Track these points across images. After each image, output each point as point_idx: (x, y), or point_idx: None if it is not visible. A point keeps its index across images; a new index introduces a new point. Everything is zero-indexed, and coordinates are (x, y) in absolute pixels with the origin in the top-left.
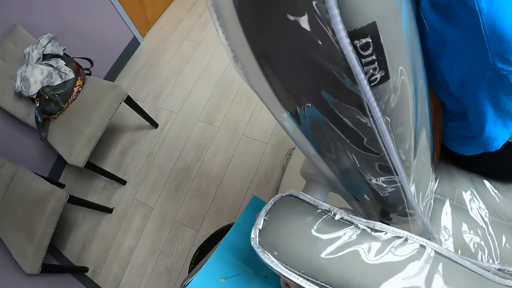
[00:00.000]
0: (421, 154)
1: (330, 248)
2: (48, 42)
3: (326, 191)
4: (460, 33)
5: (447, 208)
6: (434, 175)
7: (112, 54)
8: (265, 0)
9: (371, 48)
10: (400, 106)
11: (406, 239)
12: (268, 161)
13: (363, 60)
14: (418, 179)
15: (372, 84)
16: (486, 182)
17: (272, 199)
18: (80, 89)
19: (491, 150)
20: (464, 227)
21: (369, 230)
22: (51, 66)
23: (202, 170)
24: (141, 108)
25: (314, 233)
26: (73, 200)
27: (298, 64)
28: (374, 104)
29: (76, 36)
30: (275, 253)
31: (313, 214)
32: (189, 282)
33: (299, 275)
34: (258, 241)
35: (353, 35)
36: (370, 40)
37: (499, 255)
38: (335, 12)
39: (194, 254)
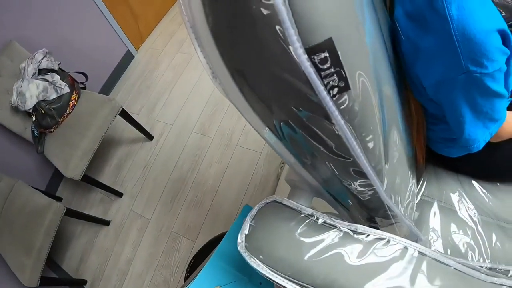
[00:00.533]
0: (393, 158)
1: (313, 251)
2: (44, 57)
3: (311, 197)
4: (432, 39)
5: (435, 209)
6: (414, 178)
7: (106, 67)
8: (236, 22)
9: (329, 62)
10: (364, 113)
11: (389, 241)
12: (263, 170)
13: (322, 73)
14: (393, 182)
15: (333, 94)
16: (474, 182)
17: (257, 205)
18: (75, 103)
19: (473, 151)
20: (453, 227)
21: (351, 233)
22: (47, 80)
23: (198, 180)
24: (136, 121)
25: (297, 236)
26: (71, 213)
27: (268, 81)
28: (336, 112)
29: (70, 51)
30: (261, 257)
31: (297, 219)
32: None
33: (285, 277)
34: (245, 246)
35: (311, 51)
36: (328, 55)
37: (489, 253)
38: (291, 32)
39: (189, 262)
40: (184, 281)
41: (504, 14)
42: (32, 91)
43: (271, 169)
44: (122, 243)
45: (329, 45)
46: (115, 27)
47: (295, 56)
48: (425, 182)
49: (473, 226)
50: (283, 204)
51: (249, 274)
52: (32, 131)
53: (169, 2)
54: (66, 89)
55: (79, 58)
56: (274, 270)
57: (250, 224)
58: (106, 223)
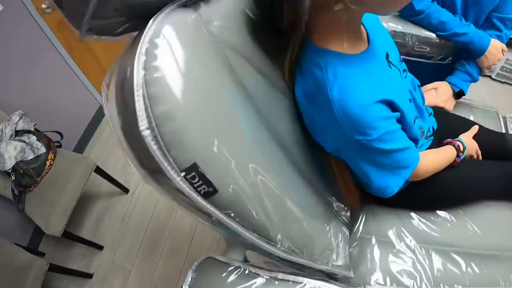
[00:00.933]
0: (293, 222)
1: None
2: (20, 119)
3: (243, 250)
4: (322, 115)
5: (373, 244)
6: (332, 223)
7: (80, 123)
8: (137, 142)
9: (197, 178)
10: (239, 204)
11: (305, 284)
12: None
13: (195, 185)
14: (295, 241)
15: (206, 196)
16: (412, 214)
17: (197, 261)
18: (52, 162)
19: (389, 197)
20: (391, 258)
21: (273, 280)
22: (24, 141)
23: (174, 227)
24: (111, 176)
25: (229, 284)
26: (54, 269)
27: (163, 187)
28: (211, 209)
29: (45, 110)
30: None
31: (227, 271)
32: None
33: None
34: None
35: (185, 171)
36: (195, 174)
37: (431, 279)
38: (165, 165)
39: None
40: None
41: (428, 49)
42: (10, 152)
43: None
44: None
45: (194, 167)
46: (87, 84)
47: (171, 178)
48: (363, 221)
49: (413, 256)
50: (216, 259)
51: None
52: (12, 190)
53: None
54: (43, 149)
55: (54, 117)
56: None
57: (191, 277)
58: (89, 276)
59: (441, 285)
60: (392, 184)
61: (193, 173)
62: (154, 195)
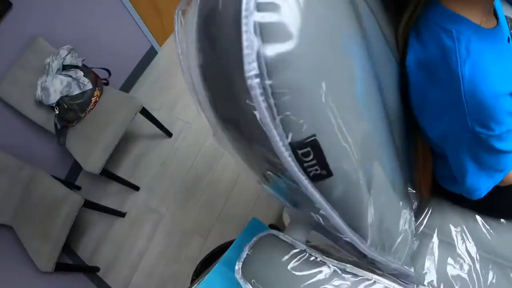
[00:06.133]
0: (381, 214)
1: (303, 285)
2: (68, 53)
3: (308, 230)
4: (441, 93)
5: (434, 242)
6: (407, 214)
7: (129, 63)
8: (228, 105)
9: (311, 155)
10: (349, 195)
11: (374, 282)
12: None
13: (305, 164)
14: (380, 233)
15: (315, 180)
16: (478, 217)
17: (256, 236)
18: (97, 100)
19: (474, 199)
20: (450, 261)
21: (339, 271)
22: (70, 76)
23: (213, 181)
24: (156, 119)
25: (290, 270)
26: (88, 205)
27: (250, 146)
28: (317, 196)
29: (94, 47)
30: (255, 285)
31: (290, 253)
32: None
33: None
34: (241, 273)
35: (295, 146)
36: (310, 149)
37: None
38: (274, 133)
39: (196, 267)
40: (190, 284)
41: None
42: (56, 86)
43: None
44: (136, 235)
45: (312, 142)
46: (139, 23)
47: (277, 152)
48: (429, 214)
49: (470, 263)
50: (279, 238)
51: None
52: (55, 124)
53: None
54: (89, 86)
55: (102, 54)
56: None
57: (247, 253)
58: (122, 215)
59: None
60: (483, 186)
61: (308, 149)
62: (197, 143)
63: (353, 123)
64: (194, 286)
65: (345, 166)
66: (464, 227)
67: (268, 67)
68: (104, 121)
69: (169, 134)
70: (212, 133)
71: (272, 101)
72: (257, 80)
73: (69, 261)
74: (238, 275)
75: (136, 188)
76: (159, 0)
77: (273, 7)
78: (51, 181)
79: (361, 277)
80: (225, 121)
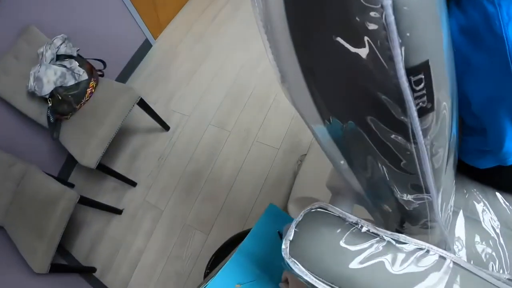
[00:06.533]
0: (449, 171)
1: (357, 259)
2: (62, 43)
3: (352, 204)
4: (486, 57)
5: (461, 219)
6: (454, 189)
7: (124, 55)
8: (320, 20)
9: (423, 84)
10: (440, 133)
11: (428, 251)
12: (279, 167)
13: (415, 94)
14: (444, 195)
15: (420, 114)
16: (498, 194)
17: (302, 211)
18: (93, 91)
19: (509, 164)
20: (477, 238)
21: (393, 242)
22: (65, 66)
23: (213, 174)
24: (154, 111)
25: (342, 244)
26: (84, 201)
27: (346, 87)
28: (420, 133)
29: (89, 37)
30: (306, 263)
31: (342, 227)
32: (205, 287)
33: (328, 285)
34: (289, 252)
35: (409, 71)
36: (423, 77)
37: (509, 265)
38: (398, 51)
39: (210, 260)
40: (204, 278)
41: None
42: (50, 77)
43: (288, 167)
44: (134, 232)
45: (425, 68)
46: (134, 15)
47: (395, 75)
48: (453, 191)
49: (495, 237)
50: (328, 211)
51: (271, 273)
52: (48, 117)
53: None
54: (84, 76)
55: (97, 45)
56: (318, 277)
57: (295, 230)
58: (119, 212)
59: None
60: None
61: (421, 76)
62: (195, 137)
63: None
64: (210, 278)
65: (443, 103)
66: (487, 203)
67: None
68: (100, 113)
69: (166, 128)
70: (280, 81)
71: (393, 18)
72: None
73: (64, 262)
74: (286, 255)
75: (133, 184)
76: None
77: None
78: (44, 177)
79: (415, 247)
80: (319, 67)
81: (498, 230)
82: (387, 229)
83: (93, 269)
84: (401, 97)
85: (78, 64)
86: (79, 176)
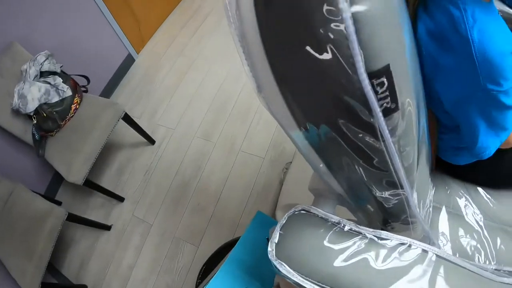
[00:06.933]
0: (422, 167)
1: (341, 257)
2: (46, 59)
3: (334, 205)
4: (453, 58)
5: (443, 215)
6: (432, 185)
7: (107, 71)
8: (297, 38)
9: (385, 86)
10: (407, 130)
11: (410, 245)
12: (266, 175)
13: (378, 96)
14: (419, 190)
15: (385, 114)
16: (479, 188)
17: (286, 214)
18: (77, 107)
19: (484, 158)
20: (461, 231)
21: (376, 239)
22: (49, 83)
23: (200, 185)
24: (139, 125)
25: (326, 244)
26: (72, 218)
27: (317, 93)
28: (387, 132)
29: (72, 53)
30: (292, 264)
31: (324, 227)
32: None
33: (315, 284)
34: (275, 254)
35: (371, 75)
36: (385, 79)
37: (494, 256)
38: (359, 58)
39: (201, 269)
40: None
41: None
42: (34, 94)
43: (274, 175)
44: (123, 248)
45: (387, 71)
46: (116, 30)
47: (358, 80)
48: (434, 189)
49: (479, 230)
50: (311, 213)
51: (262, 280)
52: (33, 134)
53: (171, 5)
54: (69, 92)
55: (81, 61)
56: (305, 277)
57: (279, 233)
58: (107, 228)
59: (502, 264)
60: (492, 145)
61: (383, 79)
62: (181, 149)
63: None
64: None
65: (407, 103)
66: (469, 198)
67: None
68: (86, 129)
69: (152, 142)
70: (256, 90)
71: (353, 28)
72: (346, 4)
73: (54, 281)
74: (273, 257)
75: (121, 199)
76: (137, 8)
77: None
78: (31, 195)
79: (397, 242)
80: (292, 75)
81: (481, 223)
82: (371, 227)
83: (84, 287)
84: (366, 100)
85: (62, 80)
86: (67, 193)
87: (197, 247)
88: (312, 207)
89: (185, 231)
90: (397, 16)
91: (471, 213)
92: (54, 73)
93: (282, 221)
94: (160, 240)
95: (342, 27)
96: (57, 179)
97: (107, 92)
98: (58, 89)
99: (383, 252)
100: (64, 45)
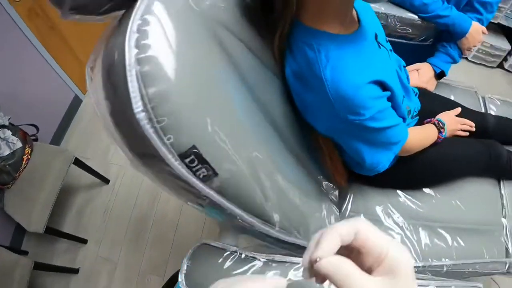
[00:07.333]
0: (285, 200)
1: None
2: None
3: (236, 234)
4: (314, 96)
5: None
6: (324, 202)
7: (56, 115)
8: (129, 126)
9: (196, 161)
10: (238, 185)
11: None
12: None
13: (193, 169)
14: (290, 220)
15: (206, 180)
16: (399, 192)
17: (191, 248)
18: (29, 157)
19: (380, 172)
20: None
21: (269, 262)
22: None
23: (158, 216)
24: (91, 168)
25: (226, 270)
26: (39, 267)
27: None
28: (211, 192)
29: (19, 103)
30: None
31: (223, 256)
32: None
33: None
34: (185, 283)
35: (181, 156)
36: (194, 157)
37: (420, 254)
38: (163, 149)
39: None
40: None
41: (410, 30)
42: None
43: None
44: None
45: (193, 151)
46: (60, 73)
47: (169, 163)
48: (351, 199)
49: (401, 231)
50: (211, 245)
51: None
52: None
53: None
54: (19, 144)
55: (28, 109)
56: None
57: (187, 265)
58: (75, 271)
59: (429, 259)
60: (383, 159)
61: (192, 157)
62: (135, 184)
63: (240, 142)
64: None
65: (227, 166)
66: (388, 203)
67: (151, 103)
68: (40, 178)
69: (106, 181)
70: (130, 163)
71: (157, 126)
72: (143, 114)
73: None
74: (183, 286)
75: (84, 241)
76: (77, 49)
77: (150, 59)
78: None
79: (289, 263)
80: (140, 157)
81: (401, 224)
82: (291, 250)
83: None
84: (183, 177)
85: (11, 133)
86: (31, 242)
87: (163, 278)
88: (212, 241)
89: (149, 263)
90: (210, 84)
91: (391, 217)
92: (2, 126)
93: (189, 253)
94: (126, 277)
95: (145, 130)
96: (20, 230)
97: (59, 136)
98: (8, 142)
99: (276, 272)
100: (9, 96)
